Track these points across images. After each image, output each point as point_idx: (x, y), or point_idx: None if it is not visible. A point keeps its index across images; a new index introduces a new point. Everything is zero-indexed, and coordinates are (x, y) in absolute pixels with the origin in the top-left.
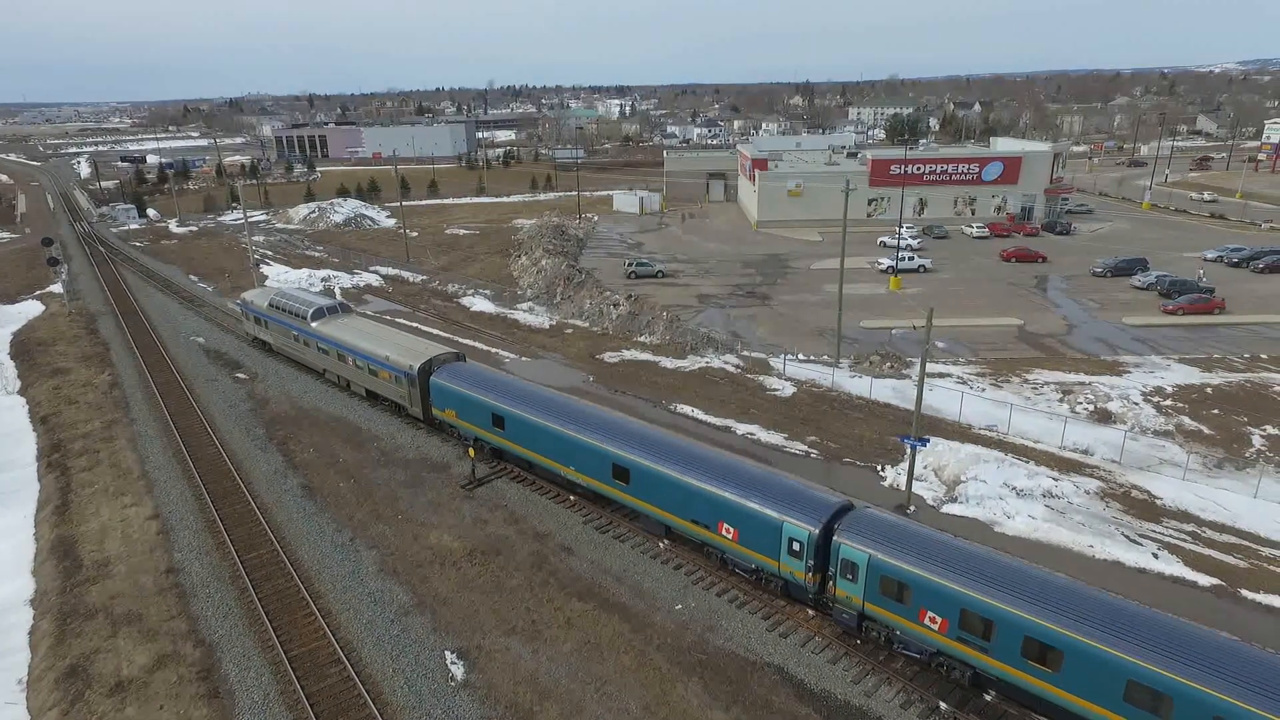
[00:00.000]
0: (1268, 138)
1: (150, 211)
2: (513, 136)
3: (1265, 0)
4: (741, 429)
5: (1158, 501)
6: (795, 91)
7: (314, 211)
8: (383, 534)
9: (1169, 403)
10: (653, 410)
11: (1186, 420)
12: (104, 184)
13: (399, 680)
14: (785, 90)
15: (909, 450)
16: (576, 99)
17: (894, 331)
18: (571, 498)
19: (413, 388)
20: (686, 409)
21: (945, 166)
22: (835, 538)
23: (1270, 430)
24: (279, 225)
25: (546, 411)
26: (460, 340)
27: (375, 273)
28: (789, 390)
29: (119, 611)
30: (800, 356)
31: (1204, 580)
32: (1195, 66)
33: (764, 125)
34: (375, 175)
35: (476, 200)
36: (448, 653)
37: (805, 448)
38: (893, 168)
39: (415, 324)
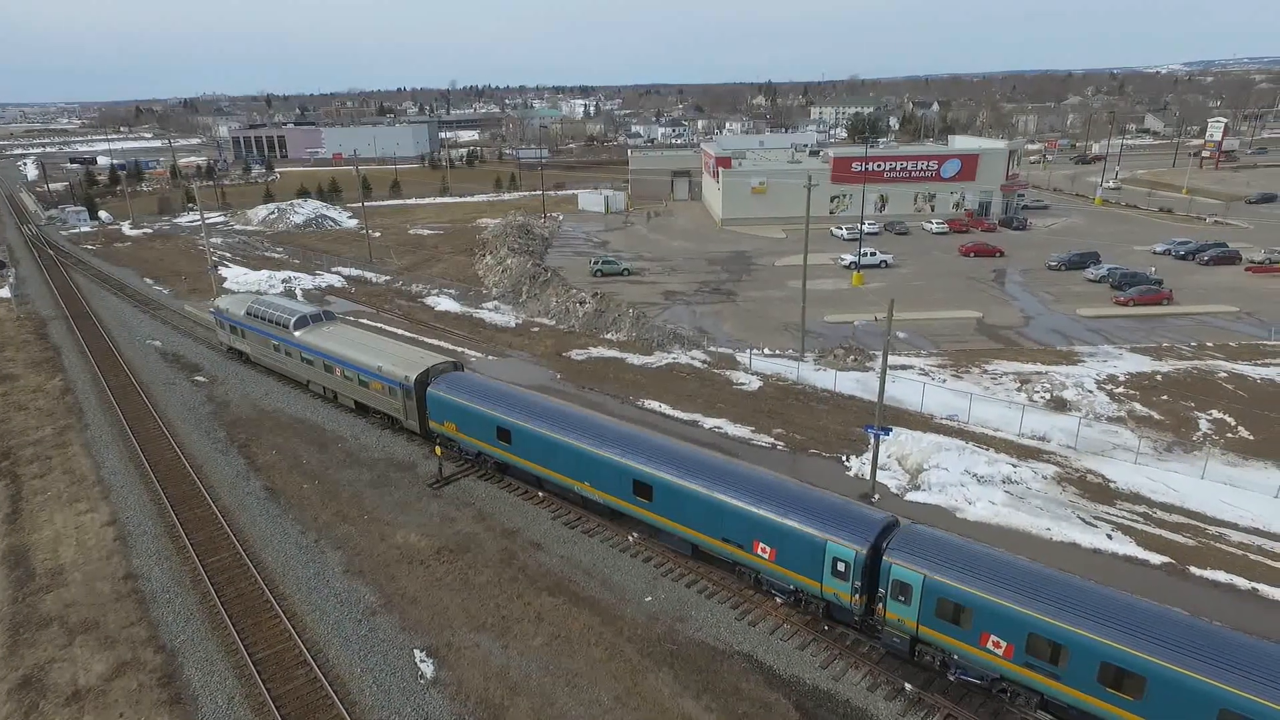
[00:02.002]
0: (1210, 136)
1: (102, 214)
2: (476, 136)
3: (1210, 5)
4: (709, 423)
5: (1111, 485)
6: (758, 91)
7: (273, 213)
8: (348, 534)
9: (1121, 390)
10: (621, 406)
11: (1138, 407)
12: (52, 186)
13: (367, 680)
14: (748, 90)
15: (872, 439)
16: (541, 99)
17: (856, 324)
18: (540, 495)
19: (408, 400)
20: (654, 404)
21: (905, 164)
22: (885, 557)
23: (1215, 415)
24: (237, 227)
25: (558, 424)
26: (425, 340)
27: (337, 274)
28: (755, 384)
29: (75, 620)
30: (766, 351)
31: (1155, 559)
32: (1143, 67)
33: (728, 125)
34: (336, 176)
35: (440, 200)
36: (417, 651)
37: (772, 440)
38: (854, 165)
39: (379, 324)
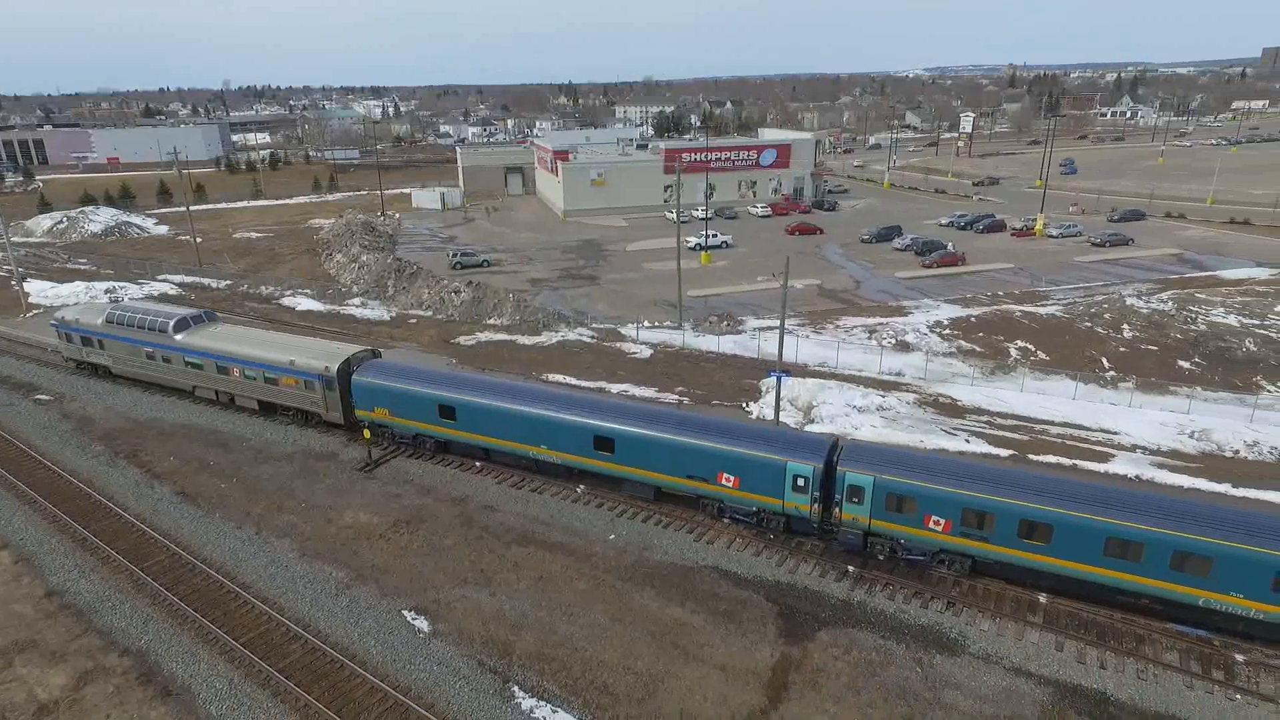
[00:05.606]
0: (963, 129)
1: None
2: (269, 138)
3: (945, 17)
4: (615, 388)
5: (959, 403)
6: (560, 92)
7: (61, 222)
8: (290, 523)
9: (948, 331)
10: (527, 383)
11: (963, 343)
12: None
13: (369, 641)
14: (549, 91)
15: (775, 382)
16: (330, 100)
17: (755, 284)
18: (477, 464)
19: (329, 391)
20: (558, 377)
21: (729, 154)
22: (839, 468)
23: (1020, 343)
24: (18, 239)
25: (506, 396)
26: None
27: (166, 281)
28: (647, 352)
29: (3, 643)
30: (647, 324)
31: (1003, 453)
32: (895, 72)
33: (538, 124)
34: (127, 181)
35: (256, 203)
36: (405, 612)
37: (676, 396)
38: (684, 156)
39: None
